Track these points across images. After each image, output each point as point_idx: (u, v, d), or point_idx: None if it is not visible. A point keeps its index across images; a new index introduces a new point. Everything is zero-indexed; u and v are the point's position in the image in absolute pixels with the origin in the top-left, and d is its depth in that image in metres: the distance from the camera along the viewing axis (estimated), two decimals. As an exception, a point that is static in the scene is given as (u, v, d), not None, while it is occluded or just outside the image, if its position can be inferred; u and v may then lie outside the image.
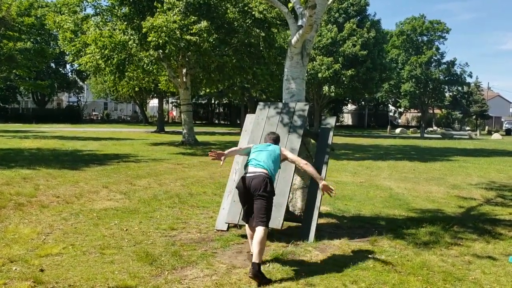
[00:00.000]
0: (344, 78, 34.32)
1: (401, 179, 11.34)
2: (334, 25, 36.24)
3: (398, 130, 46.25)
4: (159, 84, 24.48)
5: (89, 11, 46.03)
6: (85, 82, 52.92)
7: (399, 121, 70.74)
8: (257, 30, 18.61)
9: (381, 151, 20.98)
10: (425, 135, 42.13)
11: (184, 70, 20.31)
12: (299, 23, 6.32)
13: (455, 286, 4.15)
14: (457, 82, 49.77)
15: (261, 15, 17.95)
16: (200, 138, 23.70)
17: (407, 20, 49.14)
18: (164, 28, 15.88)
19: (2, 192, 7.77)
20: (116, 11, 18.99)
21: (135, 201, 7.57)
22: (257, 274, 4.01)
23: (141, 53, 18.68)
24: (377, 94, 49.45)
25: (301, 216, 5.98)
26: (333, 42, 35.54)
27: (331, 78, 34.37)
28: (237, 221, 5.48)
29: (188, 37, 16.29)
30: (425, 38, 48.30)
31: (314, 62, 34.29)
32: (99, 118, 58.71)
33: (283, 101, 6.39)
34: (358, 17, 37.92)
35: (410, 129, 50.42)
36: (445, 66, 48.19)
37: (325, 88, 36.01)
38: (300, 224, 5.90)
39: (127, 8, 18.33)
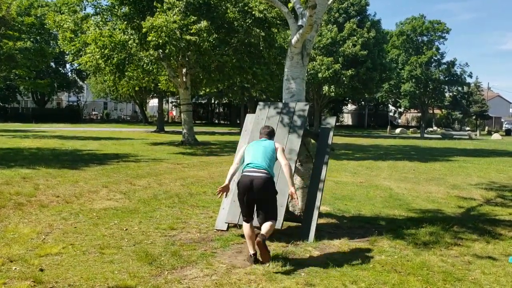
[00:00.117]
0: (344, 78, 34.32)
1: (401, 179, 11.34)
2: (334, 25, 36.24)
3: (398, 130, 46.25)
4: (159, 84, 24.46)
5: (89, 10, 46.11)
6: (85, 82, 52.92)
7: (399, 121, 70.75)
8: (257, 30, 18.61)
9: (381, 151, 20.98)
10: (425, 135, 42.13)
11: (184, 70, 20.30)
12: (299, 23, 6.31)
13: (455, 286, 4.15)
14: (457, 82, 49.72)
15: (261, 15, 17.94)
16: (200, 138, 23.69)
17: (407, 20, 49.11)
18: (164, 28, 15.87)
19: (1, 191, 7.76)
20: (116, 10, 18.98)
21: (135, 200, 7.56)
22: (263, 243, 4.42)
23: (141, 52, 18.68)
24: (377, 94, 49.42)
25: (301, 216, 5.98)
26: (333, 42, 35.53)
27: (331, 78, 34.36)
28: (237, 221, 5.48)
29: (188, 37, 16.28)
30: (425, 38, 48.26)
31: (314, 62, 34.27)
32: (98, 117, 58.70)
33: (283, 101, 6.39)
34: (358, 17, 37.91)
35: (410, 129, 50.43)
36: (445, 66, 48.14)
37: (325, 88, 36.01)
38: (300, 224, 5.90)
39: (127, 7, 18.32)
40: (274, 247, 5.10)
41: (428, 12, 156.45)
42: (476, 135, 45.64)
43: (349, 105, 66.23)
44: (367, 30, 36.14)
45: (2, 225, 5.72)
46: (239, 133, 9.15)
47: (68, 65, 49.59)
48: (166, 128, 36.11)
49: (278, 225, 5.25)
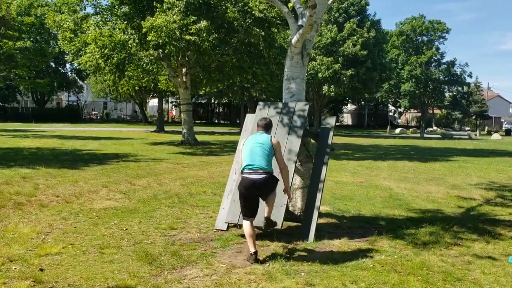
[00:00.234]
0: (344, 78, 34.33)
1: (400, 179, 11.34)
2: (334, 25, 36.24)
3: (397, 130, 46.26)
4: (158, 84, 24.46)
5: (89, 10, 46.01)
6: (85, 82, 52.90)
7: (399, 121, 70.75)
8: (257, 29, 18.61)
9: (381, 151, 20.98)
10: (425, 135, 42.15)
11: (184, 70, 20.30)
12: (299, 22, 6.31)
13: (455, 286, 4.15)
14: (457, 82, 49.70)
15: (261, 14, 17.94)
16: (199, 137, 23.69)
17: (407, 20, 49.10)
18: (164, 28, 15.87)
19: (1, 191, 7.76)
20: (116, 10, 18.97)
21: (135, 200, 7.56)
22: (269, 220, 5.01)
23: (141, 52, 18.67)
24: (377, 94, 49.41)
25: (301, 216, 5.98)
26: (333, 42, 35.53)
27: (331, 78, 34.35)
28: (236, 221, 5.48)
29: (187, 37, 16.28)
30: (425, 38, 48.24)
31: (314, 62, 34.27)
32: (98, 117, 58.63)
33: (283, 101, 6.39)
34: (358, 17, 37.90)
35: (410, 129, 50.44)
36: (445, 66, 48.10)
37: (325, 88, 36.00)
38: (300, 224, 5.90)
39: (127, 7, 18.31)
40: (274, 247, 5.11)
41: (428, 12, 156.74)
42: (476, 135, 45.66)
43: (349, 105, 66.22)
44: (367, 30, 36.14)
45: (2, 225, 5.72)
46: (239, 133, 9.15)
47: (68, 65, 49.65)
48: (166, 128, 36.11)
49: (278, 225, 5.26)
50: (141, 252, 4.75)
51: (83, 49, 19.76)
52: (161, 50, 17.43)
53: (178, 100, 38.25)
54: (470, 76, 50.49)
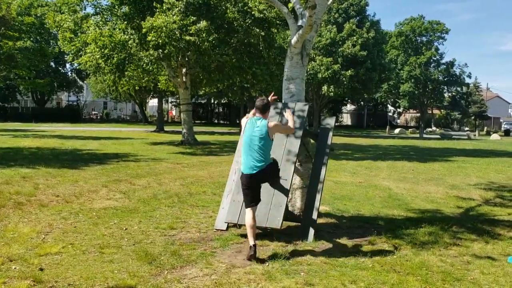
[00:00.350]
0: (343, 79, 34.35)
1: (400, 179, 11.35)
2: (334, 26, 36.26)
3: (397, 131, 46.27)
4: (158, 84, 24.47)
5: (89, 10, 45.99)
6: (85, 82, 52.89)
7: (398, 121, 70.77)
8: (256, 29, 18.61)
9: (380, 151, 21.00)
10: (424, 136, 42.17)
11: (184, 70, 20.30)
12: (299, 23, 6.33)
13: (454, 286, 4.16)
14: (456, 83, 49.75)
15: (261, 15, 17.94)
16: (199, 137, 23.70)
17: (406, 20, 49.12)
18: (164, 28, 15.87)
19: (1, 191, 7.76)
20: (116, 10, 18.98)
21: (135, 200, 7.57)
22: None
23: (141, 52, 18.68)
24: (376, 95, 49.46)
25: (301, 215, 5.99)
26: (333, 42, 35.55)
27: (331, 78, 34.39)
28: (236, 221, 5.49)
29: (187, 37, 16.28)
30: (424, 39, 48.29)
31: (314, 62, 34.29)
32: (98, 117, 58.63)
33: (283, 101, 6.40)
34: (358, 18, 37.94)
35: (409, 130, 50.45)
36: (444, 66, 48.16)
37: (324, 88, 36.02)
38: (299, 224, 5.91)
39: (127, 7, 18.32)
40: (274, 247, 5.12)
41: (428, 13, 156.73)
42: (475, 135, 45.69)
43: (348, 105, 66.23)
44: (366, 31, 36.17)
45: (2, 225, 5.72)
46: (238, 133, 9.16)
47: (68, 65, 49.62)
48: (166, 128, 36.11)
49: (278, 225, 5.27)
50: (141, 251, 4.76)
51: (83, 49, 19.76)
52: (161, 50, 17.43)
53: (178, 100, 38.28)
54: (469, 76, 50.63)
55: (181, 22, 16.29)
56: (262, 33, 18.63)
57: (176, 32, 16.16)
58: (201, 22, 16.58)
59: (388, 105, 64.87)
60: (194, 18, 16.59)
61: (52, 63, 47.87)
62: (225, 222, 5.70)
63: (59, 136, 23.57)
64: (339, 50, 35.11)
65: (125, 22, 18.27)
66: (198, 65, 19.34)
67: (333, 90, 35.54)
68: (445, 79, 48.34)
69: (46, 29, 34.14)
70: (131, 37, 18.08)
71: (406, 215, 7.15)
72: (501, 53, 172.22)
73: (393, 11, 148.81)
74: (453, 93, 56.68)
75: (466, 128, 61.90)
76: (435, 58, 47.72)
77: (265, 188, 5.50)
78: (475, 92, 61.09)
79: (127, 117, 61.75)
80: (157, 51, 17.76)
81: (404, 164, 15.08)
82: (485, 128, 58.64)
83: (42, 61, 31.52)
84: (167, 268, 4.35)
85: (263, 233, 5.61)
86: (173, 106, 62.39)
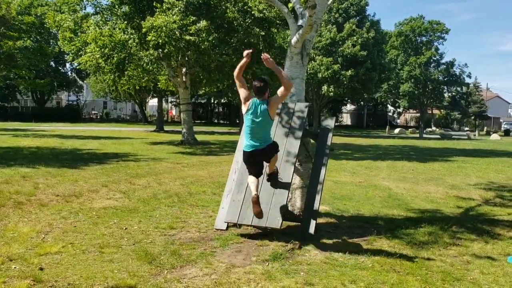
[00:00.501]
0: (343, 78, 34.35)
1: (400, 179, 11.35)
2: (334, 25, 36.26)
3: (397, 130, 46.29)
4: (158, 83, 24.47)
5: (89, 10, 45.98)
6: (85, 81, 52.87)
7: (398, 121, 70.77)
8: (256, 29, 18.61)
9: (380, 151, 21.00)
10: (424, 136, 42.18)
11: (184, 70, 20.30)
12: (299, 23, 6.33)
13: (454, 286, 4.17)
14: (456, 83, 49.74)
15: (261, 14, 17.94)
16: (199, 137, 23.69)
17: (406, 20, 49.10)
18: (164, 28, 15.87)
19: (1, 190, 7.76)
20: (116, 10, 18.98)
21: (135, 200, 7.57)
22: (271, 174, 5.48)
23: (141, 52, 18.67)
24: (376, 95, 49.46)
25: (300, 215, 6.00)
26: (333, 42, 35.55)
27: (331, 78, 34.40)
28: (236, 220, 5.49)
29: (187, 37, 16.28)
30: (424, 39, 48.28)
31: (314, 62, 34.29)
32: (98, 117, 58.62)
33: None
34: (358, 17, 37.93)
35: (409, 129, 50.47)
36: (444, 66, 48.14)
37: (324, 88, 36.04)
38: (299, 223, 5.91)
39: (127, 7, 18.32)
40: (274, 247, 5.12)
41: (428, 13, 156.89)
42: (475, 135, 45.71)
43: (348, 105, 66.24)
44: (366, 31, 36.17)
45: (1, 224, 5.72)
46: (238, 133, 9.15)
47: (68, 65, 49.62)
48: (166, 128, 36.11)
49: (278, 225, 5.27)
50: (141, 251, 4.76)
51: (83, 48, 19.76)
52: (161, 50, 17.43)
53: (177, 100, 38.24)
54: (469, 76, 50.61)
55: (181, 21, 16.29)
56: (262, 33, 18.63)
57: (176, 32, 16.16)
58: (201, 21, 16.59)
59: (388, 105, 64.88)
60: (194, 18, 16.59)
61: (52, 63, 47.85)
62: (225, 222, 5.69)
63: (59, 136, 23.57)
64: (339, 50, 35.11)
65: (125, 22, 18.27)
66: (198, 65, 19.34)
67: (333, 90, 35.55)
68: (445, 79, 48.32)
69: (46, 28, 34.13)
70: (131, 36, 18.08)
71: (405, 215, 7.15)
72: (501, 53, 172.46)
73: (393, 11, 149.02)
74: (453, 93, 56.68)
75: (466, 128, 61.92)
76: (435, 58, 47.70)
77: (265, 188, 5.51)
78: (475, 92, 61.10)
79: (127, 116, 61.74)
80: (157, 51, 17.76)
81: (404, 164, 15.08)
82: (485, 128, 58.66)
83: (42, 61, 31.49)
84: (167, 268, 4.35)
85: (263, 233, 5.61)
86: (173, 106, 62.37)
